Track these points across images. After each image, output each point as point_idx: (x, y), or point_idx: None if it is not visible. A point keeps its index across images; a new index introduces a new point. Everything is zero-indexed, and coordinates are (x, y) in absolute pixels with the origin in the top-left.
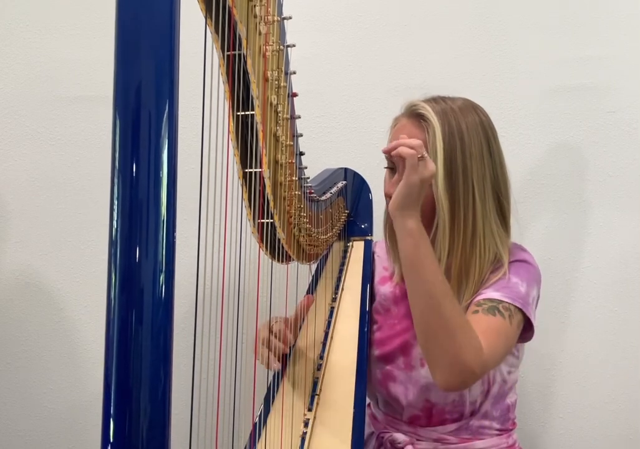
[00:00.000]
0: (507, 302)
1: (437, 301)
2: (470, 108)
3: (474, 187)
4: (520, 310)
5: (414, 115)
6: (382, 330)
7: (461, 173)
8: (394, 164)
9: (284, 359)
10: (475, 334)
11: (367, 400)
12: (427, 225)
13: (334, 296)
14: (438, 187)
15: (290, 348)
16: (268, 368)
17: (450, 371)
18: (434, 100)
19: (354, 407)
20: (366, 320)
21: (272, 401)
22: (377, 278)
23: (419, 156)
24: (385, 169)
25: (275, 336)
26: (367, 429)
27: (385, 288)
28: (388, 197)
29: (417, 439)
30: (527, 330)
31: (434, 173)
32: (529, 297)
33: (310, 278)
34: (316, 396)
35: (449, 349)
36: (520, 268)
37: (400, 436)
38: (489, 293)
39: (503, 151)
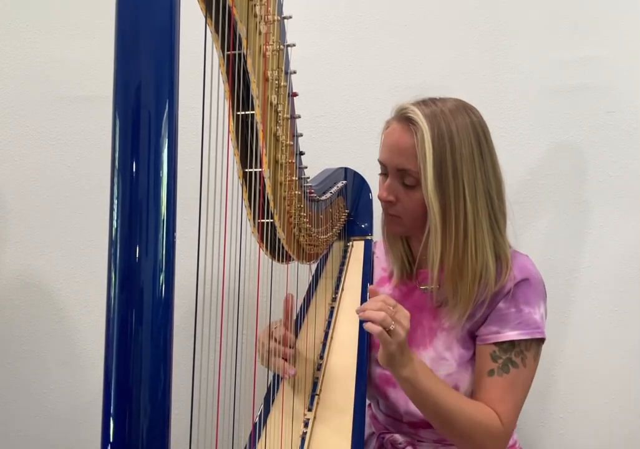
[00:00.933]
0: (522, 340)
1: (450, 420)
2: (461, 109)
3: (465, 188)
4: (535, 339)
5: (403, 119)
6: None
7: (451, 175)
8: (385, 167)
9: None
10: (491, 422)
11: (368, 401)
12: (420, 227)
13: (334, 296)
14: (428, 190)
15: (292, 347)
16: (283, 375)
17: None
18: (423, 103)
19: (354, 407)
20: None
21: (272, 401)
22: (375, 279)
23: (387, 329)
24: (379, 174)
25: (278, 342)
26: (368, 430)
27: (384, 290)
28: (381, 200)
29: (418, 441)
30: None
31: (408, 330)
32: (544, 317)
33: (310, 278)
34: (316, 396)
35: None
36: (527, 291)
37: (400, 437)
38: (507, 333)
39: (503, 151)
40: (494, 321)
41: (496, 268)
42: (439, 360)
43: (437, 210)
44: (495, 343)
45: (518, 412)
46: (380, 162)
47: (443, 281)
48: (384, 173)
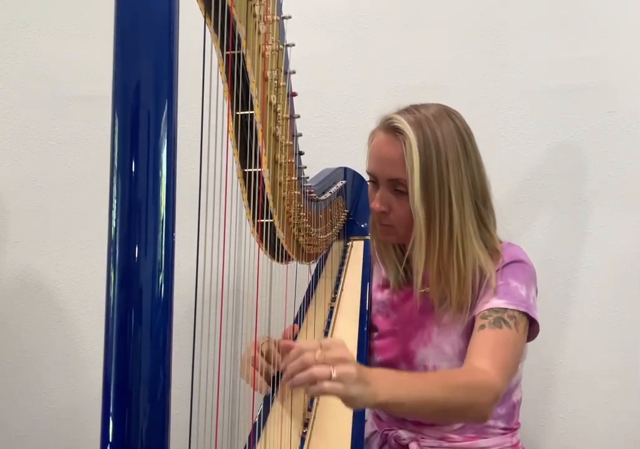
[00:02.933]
0: (511, 309)
1: (447, 405)
2: (444, 114)
3: (451, 193)
4: (525, 313)
5: (389, 129)
6: (382, 336)
7: (437, 182)
8: (376, 178)
9: (273, 381)
10: (480, 378)
11: None
12: (406, 235)
13: (333, 296)
14: (415, 201)
15: (278, 372)
16: (255, 390)
17: (479, 421)
18: (407, 111)
19: None
20: (366, 320)
21: (272, 401)
22: (374, 284)
23: (333, 377)
24: (369, 182)
25: (263, 356)
26: (371, 429)
27: (382, 295)
28: (375, 211)
29: (422, 437)
30: (531, 329)
31: (353, 359)
32: (530, 299)
33: (310, 278)
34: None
35: (470, 420)
36: (516, 269)
37: (404, 433)
38: (493, 302)
39: (503, 151)
40: (483, 296)
41: (490, 264)
42: (440, 355)
43: (422, 218)
44: (486, 308)
45: (509, 372)
46: (370, 173)
47: (429, 285)
48: (374, 181)
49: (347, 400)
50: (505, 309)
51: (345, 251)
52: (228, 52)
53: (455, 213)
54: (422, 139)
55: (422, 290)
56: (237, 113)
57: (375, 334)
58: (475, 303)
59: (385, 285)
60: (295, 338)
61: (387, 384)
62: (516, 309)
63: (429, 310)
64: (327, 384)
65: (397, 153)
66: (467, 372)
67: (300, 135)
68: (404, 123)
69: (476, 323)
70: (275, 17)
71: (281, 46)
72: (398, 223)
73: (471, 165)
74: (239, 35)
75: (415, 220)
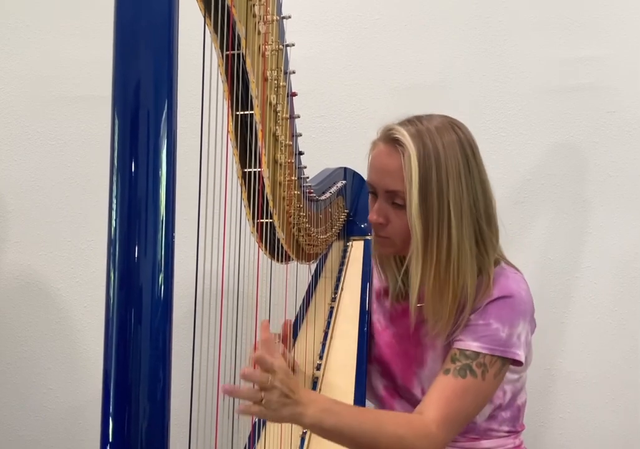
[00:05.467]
0: (484, 354)
1: (372, 445)
2: (448, 126)
3: (450, 208)
4: (500, 357)
5: (389, 140)
6: (380, 346)
7: (436, 196)
8: (374, 189)
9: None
10: (417, 432)
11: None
12: (403, 248)
13: (333, 295)
14: (412, 215)
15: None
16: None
17: None
18: (409, 122)
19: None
20: (365, 320)
21: None
22: (375, 291)
23: (260, 400)
24: (370, 194)
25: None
26: None
27: (384, 303)
28: (372, 223)
29: None
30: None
31: (288, 385)
32: (512, 339)
33: (310, 278)
34: None
35: None
36: (503, 307)
37: None
38: (468, 343)
39: (503, 151)
40: (462, 331)
41: (476, 289)
42: (432, 377)
43: (419, 234)
44: (459, 348)
45: (462, 422)
46: (369, 184)
47: (424, 301)
48: (373, 193)
49: (276, 420)
50: (477, 354)
51: (345, 251)
52: (228, 52)
53: (454, 231)
54: (422, 151)
55: (419, 305)
56: (237, 113)
57: (373, 342)
58: (455, 331)
59: (386, 293)
60: (295, 337)
61: (318, 410)
62: (489, 354)
63: (424, 327)
64: (254, 409)
65: (395, 165)
66: (409, 424)
67: (300, 135)
68: (404, 135)
69: (445, 360)
70: (275, 17)
71: (281, 46)
72: (395, 236)
73: (473, 180)
74: (238, 35)
75: (412, 235)
